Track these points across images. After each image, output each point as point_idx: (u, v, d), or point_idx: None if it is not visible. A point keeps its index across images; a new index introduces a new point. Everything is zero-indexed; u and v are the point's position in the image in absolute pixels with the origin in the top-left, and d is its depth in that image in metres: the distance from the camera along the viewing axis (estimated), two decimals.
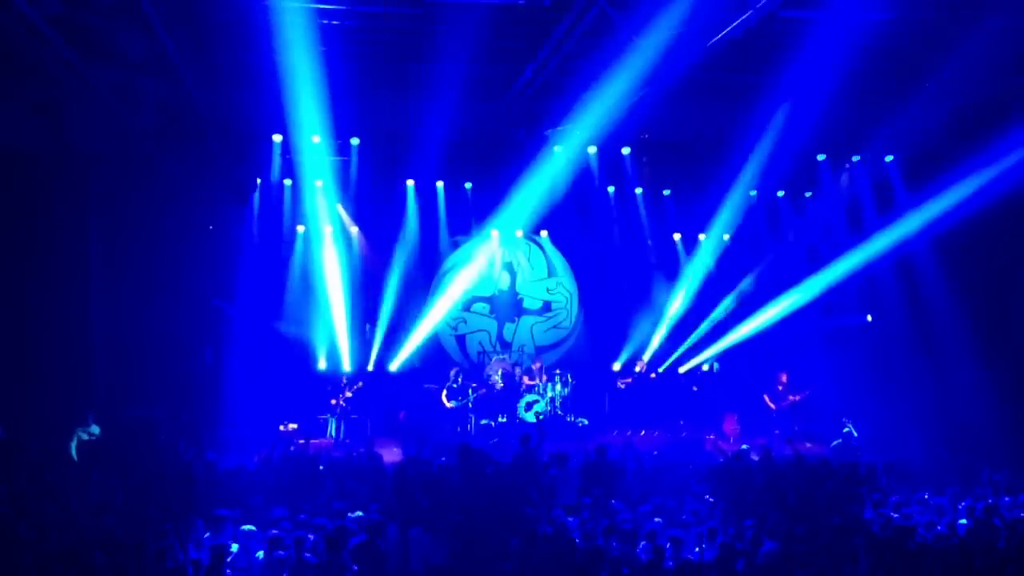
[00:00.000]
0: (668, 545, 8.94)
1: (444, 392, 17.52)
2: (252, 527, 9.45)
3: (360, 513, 9.99)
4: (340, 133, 16.32)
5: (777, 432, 17.23)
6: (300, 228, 17.98)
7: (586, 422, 17.88)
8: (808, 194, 18.72)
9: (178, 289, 16.12)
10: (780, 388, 17.92)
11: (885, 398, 17.41)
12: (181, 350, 16.35)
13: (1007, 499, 11.32)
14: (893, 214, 17.41)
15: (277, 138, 16.50)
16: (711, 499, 11.19)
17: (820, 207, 18.29)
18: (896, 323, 18.19)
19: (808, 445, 16.15)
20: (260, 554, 8.94)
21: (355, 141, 16.97)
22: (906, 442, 15.64)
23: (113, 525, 9.30)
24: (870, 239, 17.50)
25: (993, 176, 15.32)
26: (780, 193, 18.91)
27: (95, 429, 13.93)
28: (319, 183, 17.25)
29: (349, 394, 17.04)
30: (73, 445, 13.69)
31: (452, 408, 17.39)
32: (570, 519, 10.08)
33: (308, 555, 8.76)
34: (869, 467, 12.72)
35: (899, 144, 16.50)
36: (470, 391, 17.48)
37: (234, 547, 9.03)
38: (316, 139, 16.03)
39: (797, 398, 17.67)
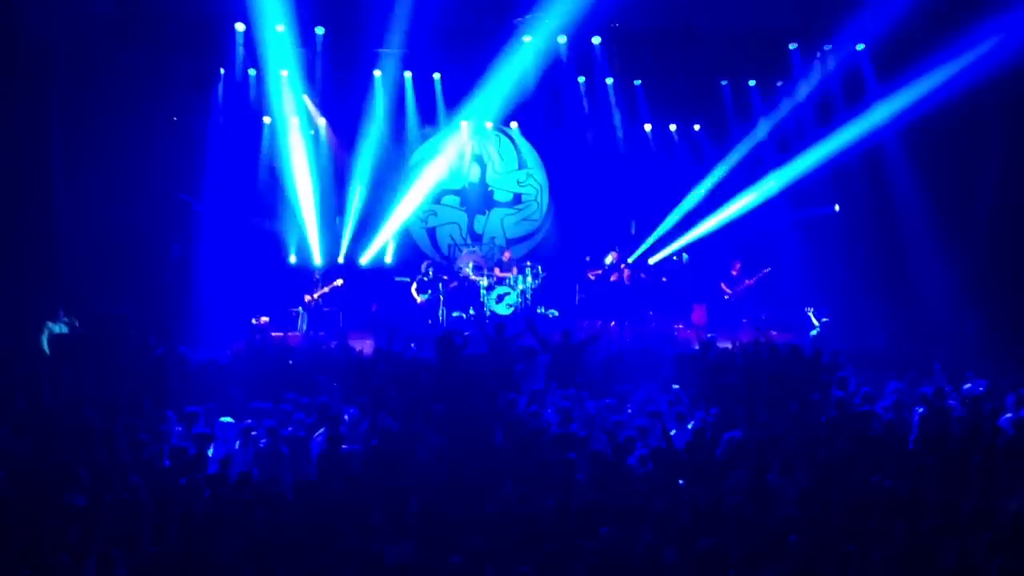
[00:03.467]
0: (636, 432, 9.16)
1: (414, 286, 17.55)
2: (229, 419, 9.58)
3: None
4: (304, 22, 15.93)
5: (744, 320, 17.49)
6: (266, 120, 17.68)
7: (556, 313, 18.05)
8: (779, 83, 18.59)
9: (143, 182, 15.92)
10: (734, 274, 18.15)
11: (851, 287, 17.69)
12: (148, 244, 16.26)
13: (966, 384, 11.57)
14: (862, 104, 17.38)
15: (240, 27, 16.09)
16: (678, 387, 11.37)
17: (791, 97, 18.15)
18: (863, 214, 18.35)
19: (774, 333, 16.43)
20: (236, 444, 9.09)
21: (320, 30, 16.58)
22: (869, 331, 15.99)
23: (87, 418, 9.37)
24: (840, 129, 17.50)
25: (961, 67, 15.31)
26: (751, 82, 18.76)
27: (63, 327, 13.87)
28: (284, 73, 16.91)
29: (326, 290, 17.02)
30: (44, 339, 13.67)
31: (423, 302, 17.44)
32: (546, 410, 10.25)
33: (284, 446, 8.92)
34: (833, 354, 12.97)
35: (870, 33, 16.32)
36: (440, 285, 17.52)
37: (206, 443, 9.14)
38: (280, 28, 15.65)
39: (751, 282, 17.93)
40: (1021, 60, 14.33)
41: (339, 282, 17.16)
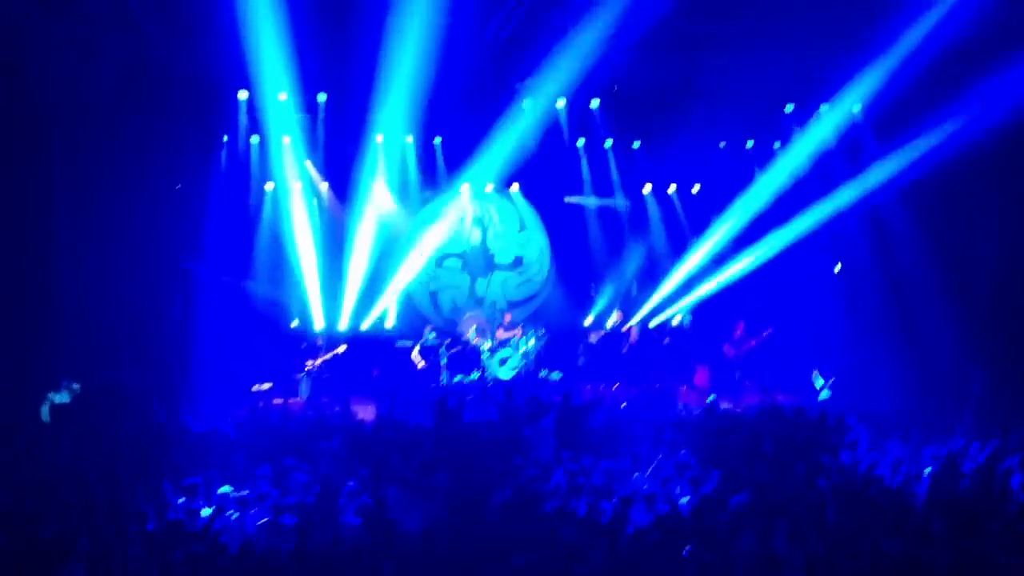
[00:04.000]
0: (642, 498, 9.06)
1: (416, 350, 17.48)
2: (228, 488, 9.48)
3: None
4: (307, 89, 16.11)
5: (748, 383, 17.43)
6: (269, 186, 17.80)
7: (559, 376, 17.97)
8: (777, 144, 18.72)
9: (146, 249, 15.92)
10: (737, 336, 18.11)
11: (854, 347, 17.64)
12: (150, 312, 16.20)
13: (975, 444, 11.48)
14: (861, 164, 17.49)
15: (243, 95, 16.26)
16: (684, 451, 11.28)
17: (789, 157, 18.26)
18: (864, 273, 18.35)
19: (779, 395, 16.36)
20: (235, 515, 8.98)
21: (322, 97, 16.77)
22: (874, 390, 15.90)
23: (88, 489, 9.28)
24: (839, 189, 17.59)
25: (958, 126, 15.43)
26: (749, 143, 18.91)
27: (65, 396, 13.82)
28: (287, 140, 17.06)
29: (328, 356, 16.97)
30: (45, 410, 13.61)
31: (423, 367, 17.35)
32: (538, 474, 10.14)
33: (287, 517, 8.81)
34: (839, 416, 12.89)
35: (867, 94, 16.47)
36: (442, 350, 17.46)
37: (206, 511, 9.06)
38: (283, 96, 15.82)
39: (754, 343, 17.89)
40: (1017, 118, 14.42)
41: (342, 348, 17.13)
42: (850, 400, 15.23)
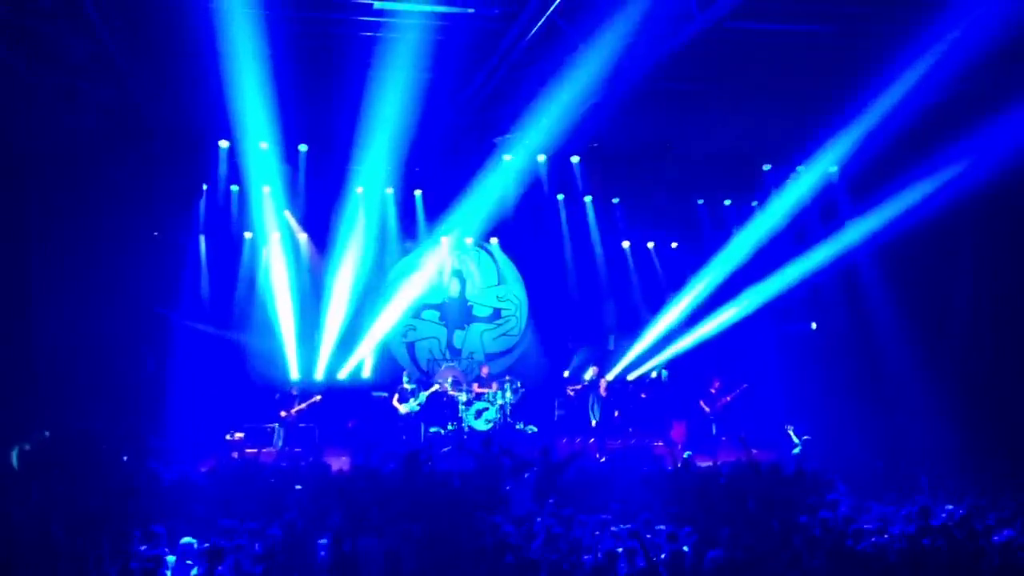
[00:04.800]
0: (621, 552, 8.98)
1: (396, 396, 17.37)
2: (191, 540, 9.31)
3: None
4: (288, 139, 16.16)
5: (724, 438, 17.42)
6: (247, 235, 17.77)
7: (535, 429, 17.88)
8: (755, 203, 18.91)
9: (121, 296, 15.88)
10: (713, 392, 18.14)
11: (828, 404, 17.67)
12: (124, 358, 16.09)
13: (948, 507, 11.47)
14: (836, 223, 17.69)
15: (224, 144, 16.31)
16: (661, 506, 11.22)
17: (766, 216, 18.44)
18: (839, 331, 18.48)
19: (754, 451, 16.32)
20: (195, 572, 8.81)
21: (303, 148, 16.83)
22: (847, 449, 15.89)
23: (53, 535, 9.11)
24: (814, 248, 17.77)
25: (933, 189, 15.65)
26: (727, 202, 19.10)
27: (34, 443, 13.62)
28: (267, 189, 17.09)
29: (303, 406, 16.85)
30: (14, 455, 13.40)
31: (403, 414, 17.24)
32: (518, 529, 10.06)
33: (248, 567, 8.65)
34: (814, 474, 12.87)
35: (843, 155, 16.70)
36: (422, 394, 17.35)
37: (171, 559, 8.90)
38: (264, 145, 15.88)
39: (729, 399, 17.91)
40: (992, 178, 14.63)
41: (317, 398, 17.02)
42: (825, 458, 15.19)
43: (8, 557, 8.47)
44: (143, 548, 9.22)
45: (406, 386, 17.49)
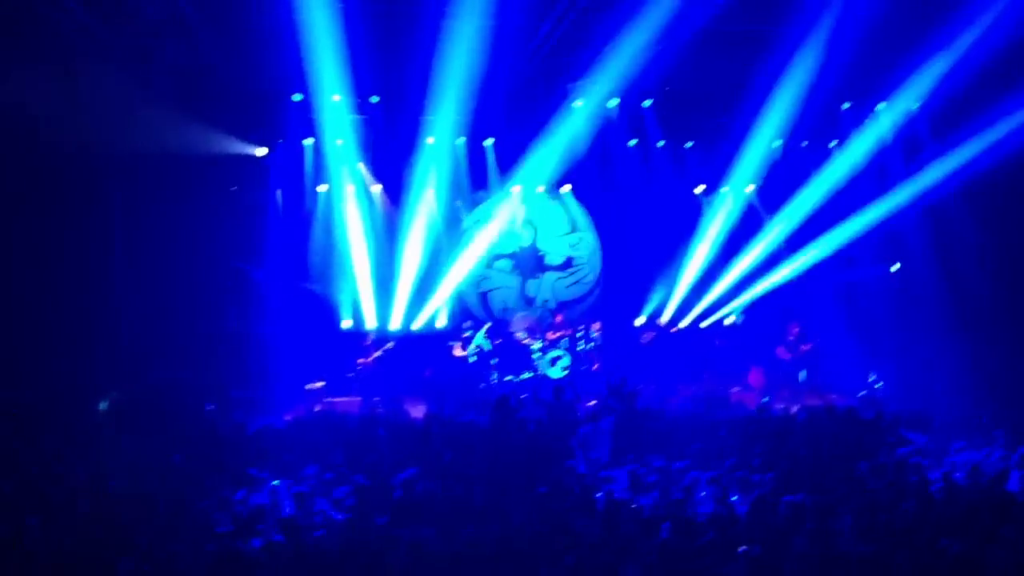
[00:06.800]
0: (701, 497, 9.02)
1: (458, 345, 17.48)
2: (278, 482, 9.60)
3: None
4: (360, 92, 16.23)
5: (802, 384, 17.26)
6: (322, 187, 17.98)
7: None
8: (833, 143, 18.48)
9: (201, 251, 16.17)
10: (792, 339, 17.91)
11: (908, 350, 17.36)
12: (206, 312, 16.45)
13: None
14: (919, 163, 17.23)
15: (297, 97, 16.45)
16: (740, 451, 11.19)
17: (845, 157, 18.02)
18: (920, 274, 18.06)
19: (833, 396, 16.17)
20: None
21: (375, 99, 16.89)
22: (932, 392, 15.62)
23: (147, 487, 9.43)
24: (896, 189, 17.34)
25: (1017, 125, 15.14)
26: (804, 143, 18.69)
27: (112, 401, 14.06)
28: (339, 142, 17.22)
29: (378, 354, 17.10)
30: (103, 405, 13.85)
31: (469, 359, 17.32)
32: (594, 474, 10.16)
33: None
34: (894, 417, 12.71)
35: (924, 92, 16.22)
36: (480, 336, 17.41)
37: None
38: (336, 98, 15.97)
39: (809, 347, 17.69)
40: None
41: (390, 345, 17.25)
42: (907, 401, 14.98)
43: (110, 514, 8.74)
44: (240, 494, 9.52)
45: (466, 335, 17.56)
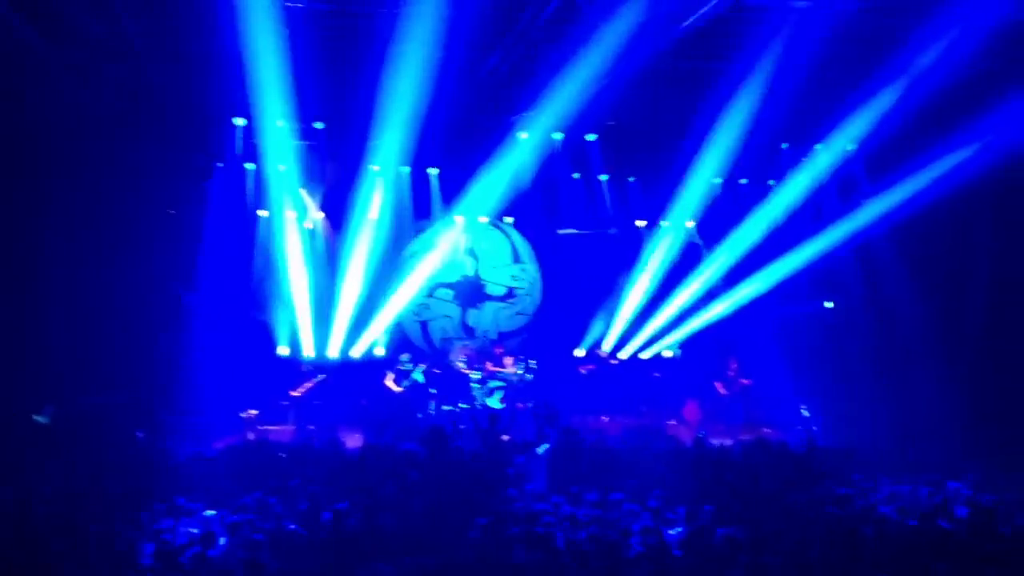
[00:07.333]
0: (636, 531, 9.02)
1: (390, 376, 17.25)
2: (213, 512, 9.42)
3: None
4: (304, 117, 16.16)
5: (738, 419, 17.45)
6: (263, 213, 17.81)
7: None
8: (772, 182, 18.84)
9: (136, 273, 15.91)
10: (731, 374, 18.13)
11: (841, 386, 17.65)
12: (139, 336, 16.15)
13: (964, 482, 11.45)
14: (854, 202, 17.62)
15: (240, 121, 16.33)
16: (675, 484, 11.24)
17: (783, 195, 18.36)
18: (854, 310, 18.43)
19: (766, 431, 16.40)
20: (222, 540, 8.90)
21: (319, 125, 16.83)
22: (863, 428, 15.88)
23: (71, 513, 9.19)
24: (831, 227, 17.70)
25: (951, 166, 15.57)
26: (743, 181, 19.02)
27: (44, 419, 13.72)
28: (282, 167, 17.10)
29: (309, 385, 16.91)
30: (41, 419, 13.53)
31: (402, 391, 17.12)
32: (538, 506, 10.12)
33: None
34: (826, 452, 12.88)
35: (861, 133, 16.61)
36: (417, 372, 17.28)
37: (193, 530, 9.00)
38: (280, 123, 15.88)
39: (748, 382, 17.91)
40: (1010, 157, 14.55)
41: (320, 377, 17.06)
42: (839, 436, 15.21)
43: (34, 540, 8.49)
44: (167, 523, 9.32)
45: (403, 367, 17.39)
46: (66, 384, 14.86)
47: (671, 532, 9.32)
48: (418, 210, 18.83)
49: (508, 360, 17.88)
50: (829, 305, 18.97)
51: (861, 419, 16.32)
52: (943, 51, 13.12)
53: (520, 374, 17.71)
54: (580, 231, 19.33)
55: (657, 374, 18.83)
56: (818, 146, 17.78)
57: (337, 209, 18.15)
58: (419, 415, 16.97)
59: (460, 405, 17.33)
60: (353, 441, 14.39)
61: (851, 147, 17.28)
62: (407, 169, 18.14)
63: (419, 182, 18.52)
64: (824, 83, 14.74)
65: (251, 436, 15.43)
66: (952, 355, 16.58)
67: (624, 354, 19.06)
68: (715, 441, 14.26)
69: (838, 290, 18.76)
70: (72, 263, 15.44)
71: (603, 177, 18.80)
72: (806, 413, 16.82)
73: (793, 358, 18.30)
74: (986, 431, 14.59)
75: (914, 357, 17.03)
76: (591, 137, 17.70)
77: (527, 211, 19.19)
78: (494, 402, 17.39)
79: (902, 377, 16.88)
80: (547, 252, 19.95)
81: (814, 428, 16.22)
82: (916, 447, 14.00)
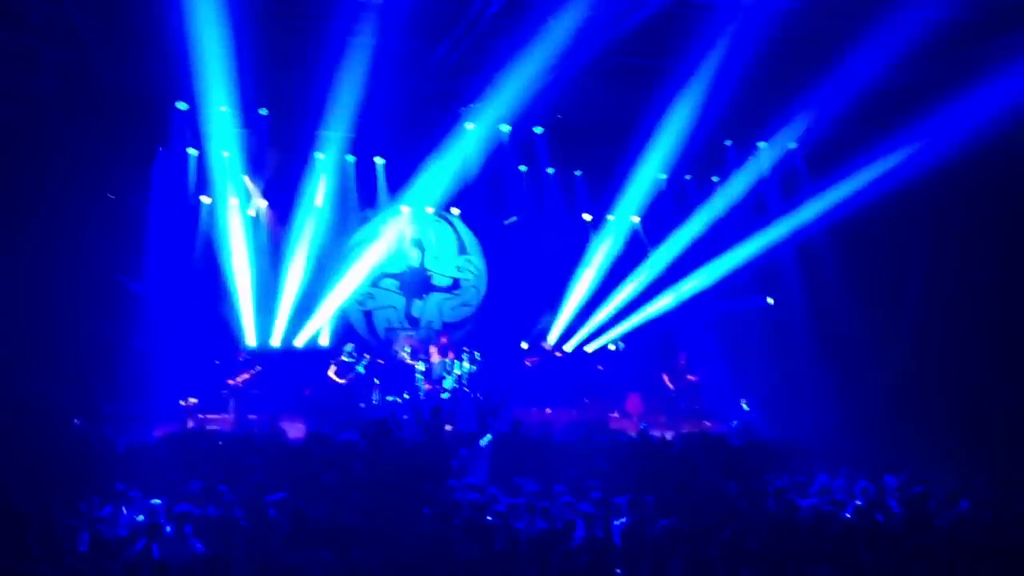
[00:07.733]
0: (579, 521, 9.09)
1: (333, 368, 17.19)
2: (158, 501, 9.31)
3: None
4: (248, 103, 15.95)
5: (680, 411, 17.65)
6: (205, 199, 17.58)
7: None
8: (716, 178, 19.04)
9: (75, 260, 15.60)
10: (679, 367, 18.31)
11: (781, 380, 17.92)
12: (77, 323, 15.85)
13: (893, 480, 11.69)
14: (795, 200, 17.89)
15: (183, 106, 16.08)
16: (616, 476, 11.35)
17: (726, 191, 18.58)
18: (794, 306, 18.71)
19: (707, 424, 16.61)
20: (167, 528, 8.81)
21: (263, 111, 16.64)
22: (801, 422, 16.15)
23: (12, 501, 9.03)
24: (773, 224, 17.96)
25: (890, 166, 15.88)
26: (688, 177, 19.21)
27: None
28: (225, 154, 16.88)
29: (246, 376, 16.75)
30: None
31: (345, 383, 17.05)
32: (476, 496, 10.15)
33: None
34: (764, 446, 13.09)
35: (803, 131, 16.86)
36: (360, 365, 17.24)
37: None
38: (224, 108, 15.67)
39: (695, 378, 18.11)
40: (947, 160, 14.86)
41: (257, 368, 16.88)
42: (778, 429, 15.45)
43: None
44: (106, 511, 9.20)
45: (345, 359, 17.31)
46: (1, 371, 14.54)
47: (615, 523, 9.40)
48: (364, 199, 18.72)
49: (433, 349, 17.78)
50: (770, 301, 19.23)
51: (800, 413, 16.59)
52: (884, 52, 13.35)
53: (464, 367, 17.64)
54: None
55: (601, 367, 18.93)
56: (761, 144, 18.03)
57: (282, 197, 17.97)
58: (362, 405, 16.91)
59: (404, 396, 17.29)
60: (295, 431, 14.31)
61: (793, 145, 17.54)
62: (352, 158, 18.02)
63: (365, 171, 18.40)
64: (768, 81, 14.94)
65: (191, 424, 15.29)
66: (888, 352, 16.89)
67: (569, 347, 19.14)
68: (657, 433, 14.41)
69: (779, 286, 19.02)
70: (10, 248, 15.08)
71: (550, 170, 18.82)
72: (746, 407, 17.08)
73: (734, 352, 18.55)
74: (920, 426, 14.93)
75: (852, 353, 17.32)
76: (538, 130, 17.73)
77: (473, 202, 19.15)
78: (448, 383, 17.20)
79: (840, 372, 17.16)
80: (493, 244, 19.95)
81: (753, 422, 16.48)
82: (853, 441, 14.25)
